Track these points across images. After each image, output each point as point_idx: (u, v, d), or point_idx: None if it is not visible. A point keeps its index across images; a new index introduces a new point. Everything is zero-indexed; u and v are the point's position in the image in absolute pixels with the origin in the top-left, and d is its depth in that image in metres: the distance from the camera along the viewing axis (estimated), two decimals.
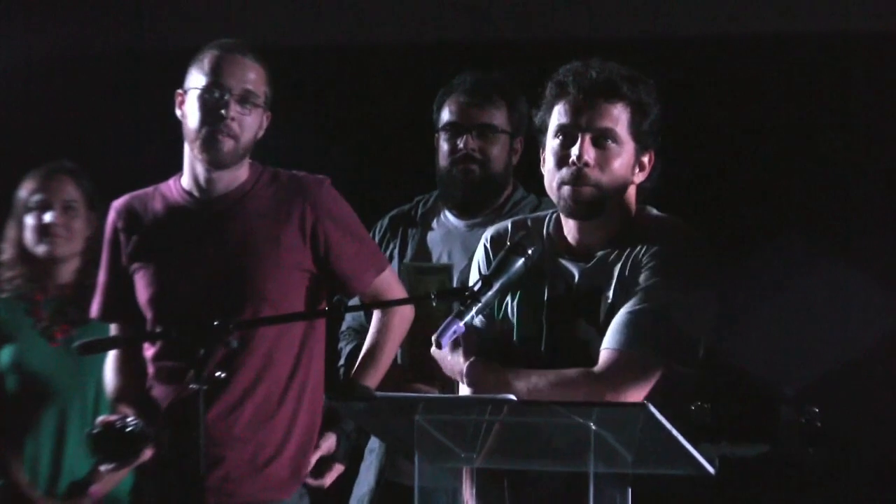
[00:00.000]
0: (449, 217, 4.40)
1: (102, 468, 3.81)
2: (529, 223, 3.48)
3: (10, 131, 5.71)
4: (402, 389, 4.08)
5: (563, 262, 3.38)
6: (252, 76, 3.79)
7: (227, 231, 3.80)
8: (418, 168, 4.58)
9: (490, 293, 3.15)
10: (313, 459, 3.87)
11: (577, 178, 3.31)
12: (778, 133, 5.56)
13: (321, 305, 3.88)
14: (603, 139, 3.32)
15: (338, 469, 3.96)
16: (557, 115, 3.36)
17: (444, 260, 4.32)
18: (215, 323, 3.18)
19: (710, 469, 2.95)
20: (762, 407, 5.08)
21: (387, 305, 3.88)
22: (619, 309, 3.27)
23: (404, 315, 3.92)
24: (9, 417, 4.45)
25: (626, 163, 3.35)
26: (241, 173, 3.84)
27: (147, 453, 3.70)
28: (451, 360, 3.35)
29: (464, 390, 3.38)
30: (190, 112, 3.79)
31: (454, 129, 4.34)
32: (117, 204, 3.92)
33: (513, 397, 2.96)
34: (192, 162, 3.84)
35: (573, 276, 3.36)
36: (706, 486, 3.12)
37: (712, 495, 3.28)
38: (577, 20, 5.76)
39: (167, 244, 3.83)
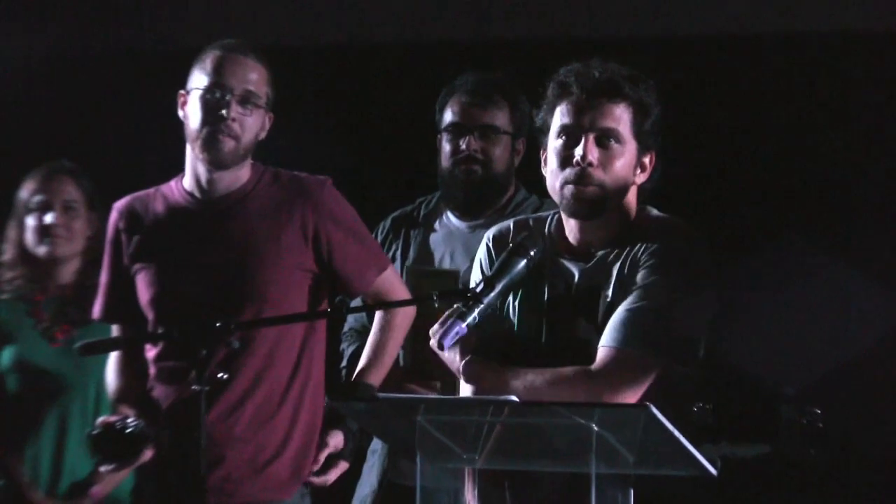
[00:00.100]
0: (451, 218, 4.40)
1: (102, 469, 3.81)
2: (531, 223, 3.48)
3: (10, 131, 5.70)
4: (401, 389, 4.09)
5: (564, 261, 3.38)
6: (254, 77, 3.79)
7: (229, 231, 3.80)
8: (420, 169, 4.59)
9: (492, 294, 3.16)
10: (322, 457, 3.87)
11: (581, 178, 3.31)
12: (778, 133, 5.56)
13: (322, 306, 3.88)
14: (606, 139, 3.33)
15: (342, 466, 3.96)
16: (560, 116, 3.36)
17: (447, 261, 4.32)
18: (217, 324, 3.18)
19: (713, 470, 2.95)
20: (763, 407, 5.08)
21: (389, 306, 3.88)
22: (617, 307, 3.28)
23: (407, 313, 3.92)
24: (10, 418, 4.46)
25: (628, 163, 3.36)
26: (242, 174, 3.84)
27: (147, 454, 3.71)
28: (449, 357, 3.36)
29: (464, 388, 3.38)
30: (192, 112, 3.79)
31: (456, 130, 4.34)
32: (119, 205, 3.92)
33: (514, 398, 2.96)
34: (193, 162, 3.84)
35: (573, 276, 3.36)
36: (708, 487, 3.12)
37: (714, 496, 3.28)
38: (577, 20, 5.76)
39: (168, 245, 3.83)
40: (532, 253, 3.22)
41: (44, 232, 4.51)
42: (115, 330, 3.95)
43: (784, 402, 4.97)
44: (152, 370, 3.82)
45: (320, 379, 3.88)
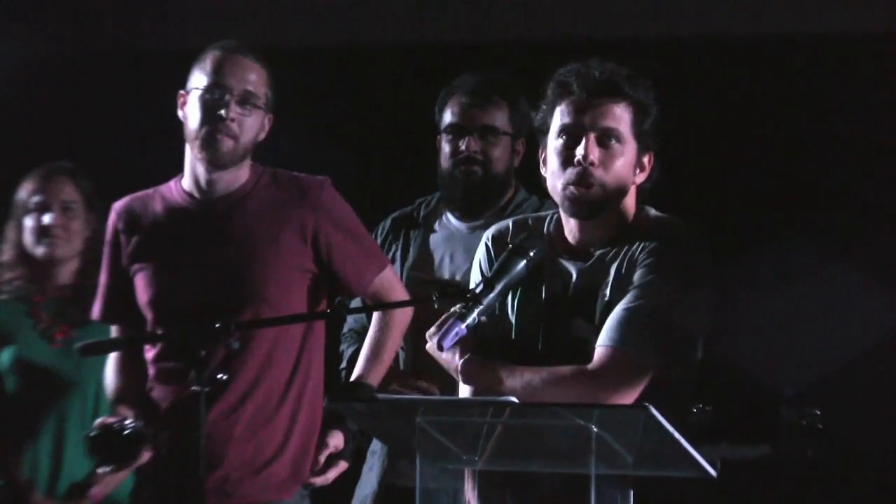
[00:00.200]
0: (451, 219, 4.40)
1: (100, 470, 3.81)
2: (530, 223, 3.48)
3: (10, 131, 5.70)
4: (400, 389, 4.09)
5: (562, 261, 3.39)
6: (253, 77, 3.79)
7: (228, 232, 3.80)
8: (420, 169, 4.58)
9: (492, 295, 3.16)
10: (322, 458, 3.86)
11: (583, 178, 3.31)
12: (778, 133, 5.56)
13: (321, 306, 3.88)
14: (607, 139, 3.33)
15: (342, 466, 3.96)
16: (560, 115, 3.36)
17: (447, 262, 4.32)
18: (217, 324, 3.18)
19: (712, 471, 2.95)
20: (762, 408, 5.08)
21: (389, 307, 3.87)
22: (615, 306, 3.28)
23: (405, 314, 3.92)
24: (9, 419, 4.45)
25: (628, 162, 3.36)
26: (241, 174, 3.84)
27: (145, 455, 3.70)
28: (447, 357, 3.35)
29: (462, 388, 3.38)
30: (191, 112, 3.79)
31: (456, 131, 4.34)
32: (118, 205, 3.92)
33: (514, 399, 2.96)
34: (192, 163, 3.84)
35: (571, 276, 3.36)
36: (707, 488, 3.12)
37: (713, 497, 3.27)
38: (578, 20, 5.76)
39: (167, 245, 3.83)
40: (531, 254, 3.22)
41: (42, 232, 4.50)
42: (114, 330, 3.94)
43: (784, 403, 4.97)
44: (151, 371, 3.82)
45: (319, 379, 3.88)
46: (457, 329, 3.11)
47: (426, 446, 3.06)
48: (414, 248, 4.38)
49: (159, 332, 3.81)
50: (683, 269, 3.30)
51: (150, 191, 3.92)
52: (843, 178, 5.49)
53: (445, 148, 4.37)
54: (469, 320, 3.12)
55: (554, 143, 3.36)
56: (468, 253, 4.14)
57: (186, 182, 3.86)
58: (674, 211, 3.44)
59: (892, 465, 5.24)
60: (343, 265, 3.83)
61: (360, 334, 4.28)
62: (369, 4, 5.93)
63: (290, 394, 3.79)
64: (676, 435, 2.86)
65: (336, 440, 3.92)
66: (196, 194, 3.84)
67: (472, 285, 3.32)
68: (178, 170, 3.89)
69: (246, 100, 3.78)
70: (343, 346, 4.41)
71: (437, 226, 4.42)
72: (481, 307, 3.13)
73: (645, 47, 5.52)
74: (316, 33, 5.92)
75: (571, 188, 3.32)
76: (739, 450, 4.91)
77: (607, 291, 3.31)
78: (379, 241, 4.38)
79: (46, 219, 4.50)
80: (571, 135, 3.33)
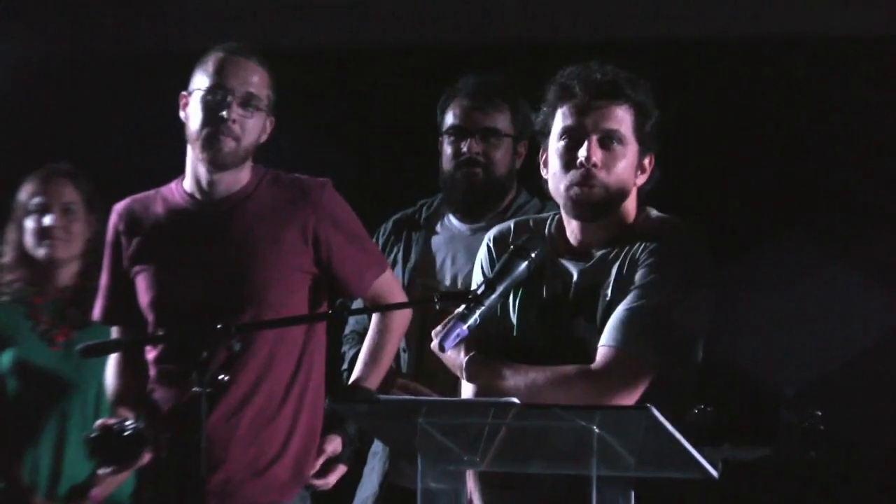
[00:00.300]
0: (453, 221, 4.40)
1: (101, 472, 3.81)
2: (532, 224, 3.49)
3: (10, 132, 5.70)
4: (400, 390, 4.10)
5: (564, 261, 3.39)
6: (255, 79, 3.79)
7: (229, 233, 3.80)
8: (421, 171, 4.58)
9: (493, 296, 3.16)
10: (319, 463, 3.87)
11: (586, 180, 3.31)
12: (777, 134, 5.56)
13: (322, 307, 3.88)
14: (609, 140, 3.33)
15: (341, 470, 3.96)
16: (562, 117, 3.36)
17: (448, 264, 4.33)
18: (218, 325, 3.18)
19: (714, 472, 2.95)
20: (763, 410, 5.08)
21: (390, 309, 3.87)
22: (616, 306, 3.28)
23: (404, 316, 3.93)
24: (9, 421, 4.45)
25: (630, 164, 3.36)
26: (242, 176, 3.84)
27: (145, 457, 3.70)
28: (451, 355, 3.36)
29: (465, 387, 3.38)
30: (193, 113, 3.79)
31: (458, 133, 4.34)
32: (119, 207, 3.92)
33: (515, 400, 2.96)
34: (194, 164, 3.84)
35: (572, 276, 3.36)
36: (709, 490, 3.12)
37: (715, 498, 3.28)
38: (578, 22, 5.76)
39: (168, 246, 3.83)
40: (533, 255, 3.23)
41: (42, 234, 4.50)
42: (115, 332, 3.94)
43: (785, 405, 4.97)
44: (153, 372, 3.82)
45: (321, 380, 3.88)
46: (458, 330, 3.11)
47: (428, 447, 3.06)
48: (416, 250, 4.38)
49: (160, 333, 3.81)
50: (684, 270, 3.30)
51: (151, 192, 3.91)
52: (843, 178, 5.49)
53: (447, 150, 4.37)
54: (471, 321, 3.12)
55: (556, 145, 3.37)
56: (470, 255, 4.14)
57: (188, 183, 3.86)
58: (674, 211, 3.44)
59: (893, 466, 5.24)
60: (343, 267, 3.83)
61: (362, 336, 4.27)
62: (369, 5, 5.93)
63: (291, 395, 3.79)
64: (678, 436, 2.86)
65: (333, 445, 3.92)
66: (197, 195, 3.84)
67: (473, 286, 3.32)
68: (178, 171, 3.89)
69: (248, 102, 3.78)
70: (345, 348, 4.41)
71: (438, 227, 4.42)
72: (483, 308, 3.14)
73: (645, 48, 5.52)
74: (316, 34, 5.92)
75: (574, 190, 3.33)
76: (741, 451, 4.91)
77: (608, 292, 3.32)
78: (380, 242, 4.39)
79: (47, 220, 4.50)
80: (573, 137, 3.33)
